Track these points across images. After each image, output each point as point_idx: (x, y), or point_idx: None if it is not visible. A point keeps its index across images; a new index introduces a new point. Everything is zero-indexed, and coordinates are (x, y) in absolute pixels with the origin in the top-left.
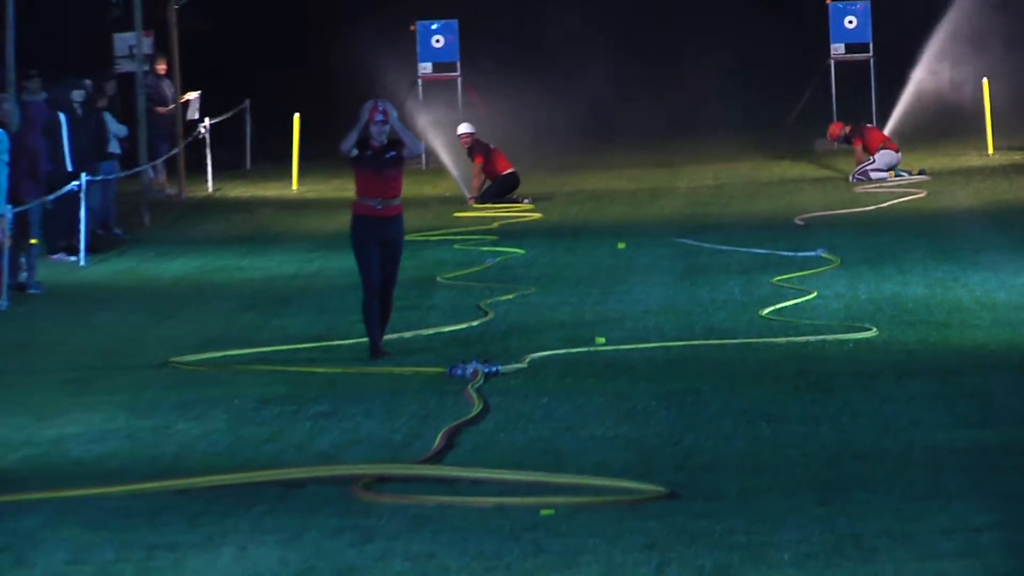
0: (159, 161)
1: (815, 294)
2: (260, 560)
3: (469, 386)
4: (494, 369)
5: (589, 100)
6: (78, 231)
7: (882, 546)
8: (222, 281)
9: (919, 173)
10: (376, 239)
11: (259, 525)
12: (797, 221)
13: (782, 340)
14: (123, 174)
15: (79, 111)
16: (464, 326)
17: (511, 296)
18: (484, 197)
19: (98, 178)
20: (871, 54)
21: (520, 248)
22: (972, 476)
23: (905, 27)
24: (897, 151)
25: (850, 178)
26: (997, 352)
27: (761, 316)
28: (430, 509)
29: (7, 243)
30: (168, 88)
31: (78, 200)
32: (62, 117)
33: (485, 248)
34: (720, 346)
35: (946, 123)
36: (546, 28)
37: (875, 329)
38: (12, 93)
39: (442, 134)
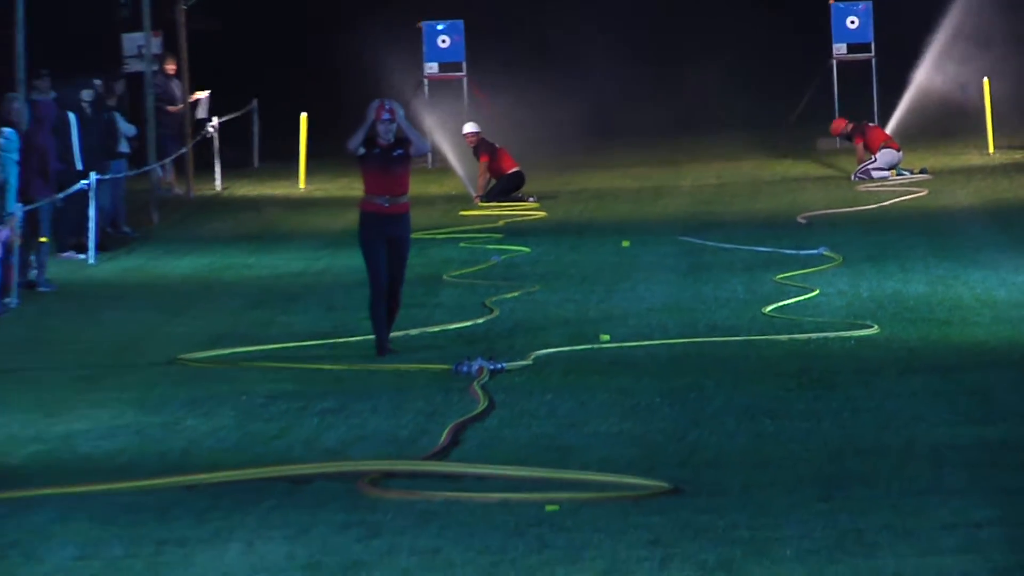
0: (168, 160)
1: (817, 292)
2: (267, 555)
3: (475, 383)
4: (499, 366)
5: (593, 99)
6: (87, 229)
7: (883, 541)
8: (230, 279)
9: (920, 172)
10: (383, 237)
11: (266, 520)
12: (799, 219)
13: (784, 337)
14: (132, 173)
15: (88, 110)
16: (470, 323)
17: (516, 294)
18: (490, 196)
19: (107, 177)
20: (872, 54)
21: (525, 246)
22: (973, 472)
23: (906, 27)
24: (898, 150)
25: (852, 177)
26: (997, 349)
27: (764, 313)
28: (436, 505)
29: (17, 241)
30: (177, 88)
31: (87, 199)
32: (72, 116)
33: (491, 246)
34: (723, 343)
35: (947, 122)
36: (551, 28)
37: (877, 326)
38: (22, 92)
39: (448, 133)
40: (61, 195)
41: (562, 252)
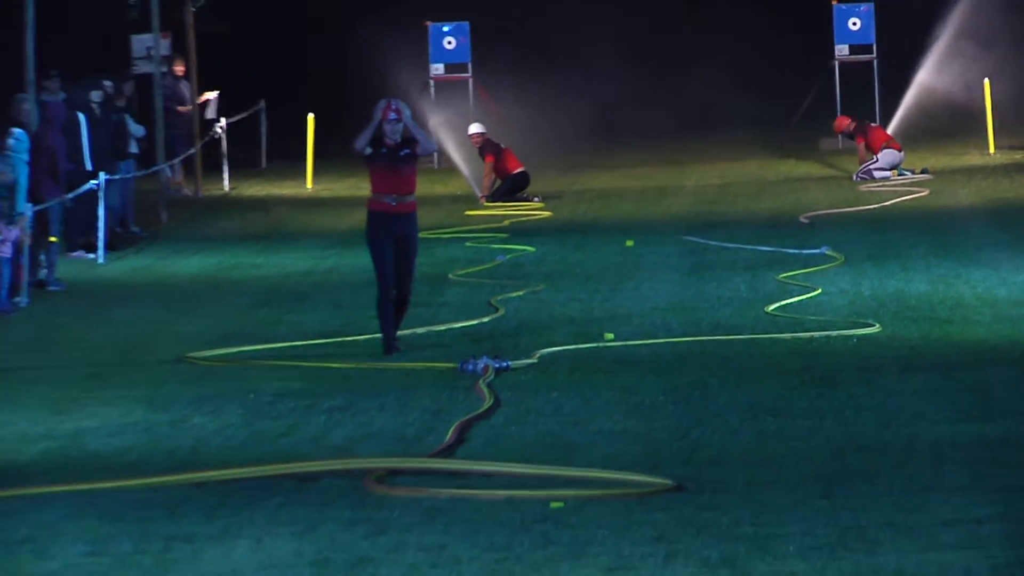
0: (176, 161)
1: (820, 290)
2: (275, 552)
3: (480, 381)
4: (504, 364)
5: (598, 100)
6: (97, 229)
7: (885, 538)
8: (238, 278)
9: (922, 172)
10: (391, 235)
11: (274, 517)
12: (802, 219)
13: (787, 336)
14: (141, 173)
15: (97, 111)
16: (475, 322)
17: (521, 293)
18: (495, 196)
19: (116, 177)
20: (874, 55)
21: (530, 246)
22: (973, 469)
23: (908, 28)
24: (900, 150)
25: (854, 177)
26: (998, 347)
27: (767, 312)
28: (442, 502)
29: (27, 241)
30: (186, 89)
31: (97, 199)
32: (81, 117)
33: (496, 246)
34: (727, 342)
35: (948, 123)
36: (555, 29)
37: (878, 325)
38: (31, 93)
39: (454, 134)
40: (71, 195)
41: (567, 252)
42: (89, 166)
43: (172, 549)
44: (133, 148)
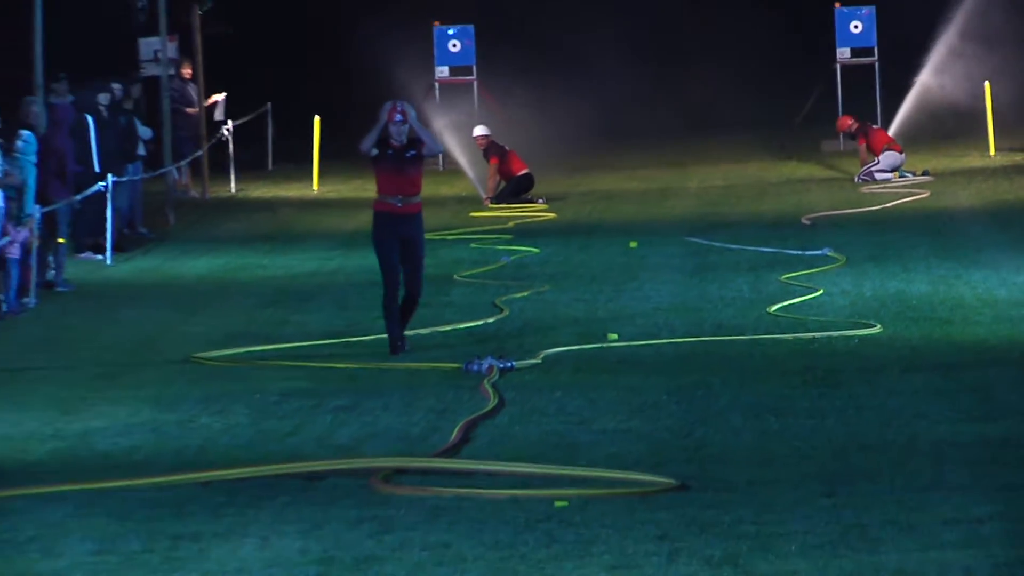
0: (183, 163)
1: (821, 291)
2: (282, 550)
3: (485, 381)
4: (509, 364)
5: (601, 102)
6: (105, 230)
7: (886, 536)
8: (245, 279)
9: (922, 174)
10: (397, 236)
11: (281, 516)
12: (804, 220)
13: (789, 336)
14: (148, 175)
15: (105, 114)
16: (480, 323)
17: (526, 293)
18: (500, 197)
19: (124, 179)
20: (876, 58)
21: (535, 247)
22: (974, 468)
23: (909, 31)
24: (901, 152)
25: (855, 179)
26: (998, 348)
27: (769, 313)
28: (447, 501)
29: (36, 242)
30: (193, 91)
31: (105, 200)
32: (90, 119)
33: (501, 247)
34: (729, 342)
35: (949, 125)
36: (559, 32)
37: (880, 325)
38: (40, 96)
39: (459, 136)
40: (79, 197)
41: (571, 253)
42: (97, 168)
43: (179, 547)
44: (140, 150)
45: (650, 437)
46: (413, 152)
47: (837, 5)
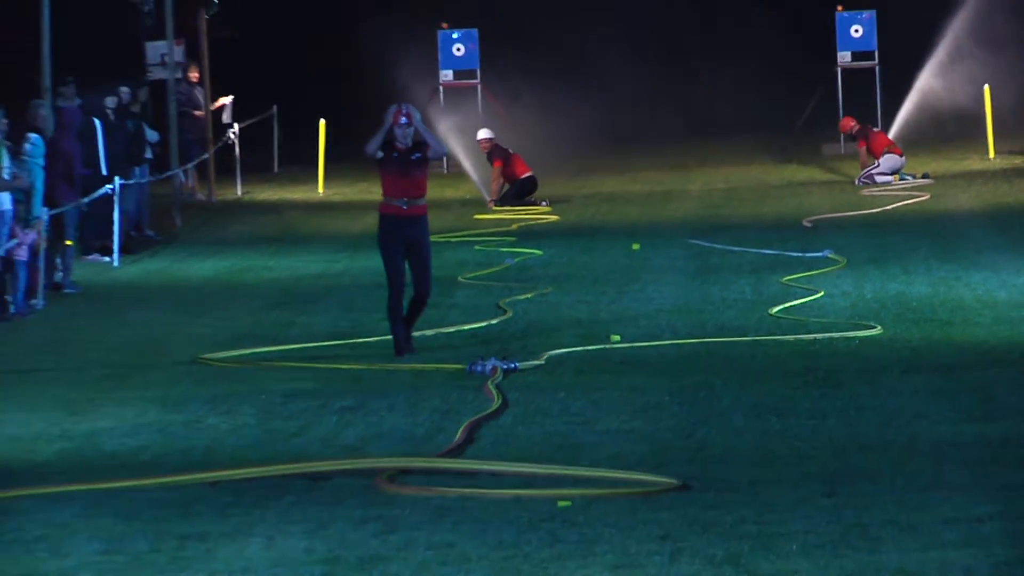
0: (190, 166)
1: (822, 293)
2: (287, 550)
3: (489, 382)
4: (513, 365)
5: (604, 106)
6: (112, 233)
7: (887, 536)
8: (251, 281)
9: (922, 177)
10: (402, 238)
11: (287, 516)
12: (805, 223)
13: (791, 337)
14: (155, 178)
15: (112, 117)
16: (484, 324)
17: (529, 295)
18: (503, 200)
19: (131, 182)
20: (876, 62)
21: (538, 249)
22: (973, 468)
23: (909, 36)
24: (901, 155)
25: (856, 181)
26: (998, 349)
27: (770, 314)
28: (451, 500)
29: (43, 244)
30: (200, 95)
31: (112, 203)
32: (97, 123)
33: (504, 249)
34: (731, 343)
35: (949, 128)
36: (562, 36)
37: (880, 327)
38: (47, 99)
39: (463, 139)
40: (86, 200)
41: (574, 255)
42: (104, 171)
43: (186, 547)
44: (147, 153)
45: (652, 437)
46: (418, 155)
47: (840, 8)
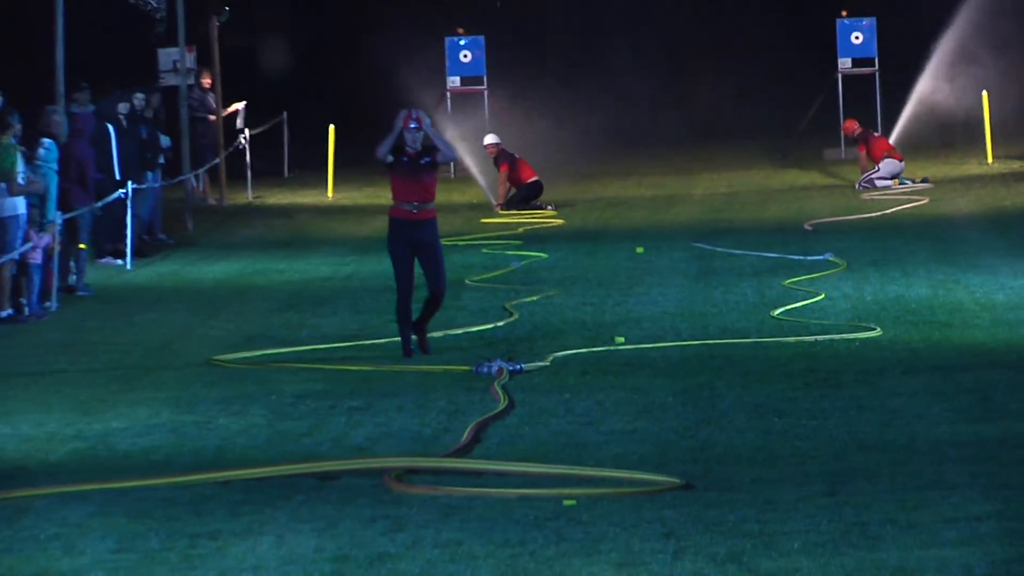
0: (201, 170)
1: (823, 295)
2: (297, 548)
3: (495, 383)
4: (519, 367)
5: (609, 111)
6: (125, 236)
7: (887, 534)
8: (262, 283)
9: (922, 181)
10: (411, 242)
11: (296, 515)
12: (806, 226)
13: (792, 339)
14: (167, 183)
15: (125, 123)
16: (491, 326)
17: (535, 298)
18: (510, 204)
19: (144, 186)
20: (876, 68)
21: (544, 252)
22: (972, 468)
23: (909, 42)
24: (901, 160)
25: (856, 186)
26: (996, 350)
27: (772, 316)
28: (458, 499)
29: (57, 248)
30: (212, 100)
31: (125, 207)
32: (111, 128)
33: (511, 252)
34: (733, 345)
35: (948, 133)
36: (568, 42)
37: (880, 329)
38: (61, 105)
39: (470, 144)
40: (100, 204)
41: (579, 258)
42: (118, 176)
43: (198, 545)
44: (160, 158)
45: (656, 437)
46: (428, 159)
47: (844, 14)
